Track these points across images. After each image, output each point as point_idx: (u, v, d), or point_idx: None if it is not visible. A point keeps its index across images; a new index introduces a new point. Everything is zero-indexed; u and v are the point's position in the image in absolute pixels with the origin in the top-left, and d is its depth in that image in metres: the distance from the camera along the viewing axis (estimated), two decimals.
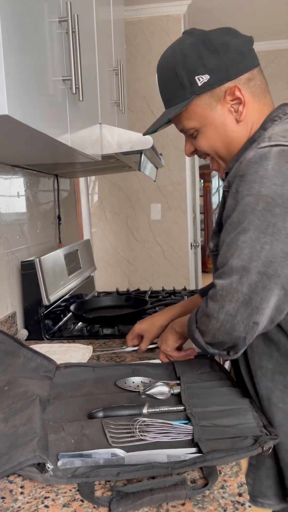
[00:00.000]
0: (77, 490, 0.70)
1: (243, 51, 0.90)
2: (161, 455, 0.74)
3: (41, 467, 0.72)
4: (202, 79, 0.89)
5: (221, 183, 7.99)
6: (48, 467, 0.72)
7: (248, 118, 0.92)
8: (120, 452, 0.76)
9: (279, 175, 0.78)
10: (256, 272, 0.77)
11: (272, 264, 0.77)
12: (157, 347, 1.21)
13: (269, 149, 0.81)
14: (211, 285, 0.86)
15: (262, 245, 0.77)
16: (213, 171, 8.77)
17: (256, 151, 0.82)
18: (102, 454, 0.75)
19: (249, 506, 0.65)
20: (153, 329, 1.22)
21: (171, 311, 1.22)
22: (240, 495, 0.67)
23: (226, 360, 1.24)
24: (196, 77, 0.89)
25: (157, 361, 1.17)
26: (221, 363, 1.15)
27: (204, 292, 0.91)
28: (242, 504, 0.65)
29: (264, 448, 0.74)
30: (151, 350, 1.27)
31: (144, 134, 1.04)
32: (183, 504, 0.66)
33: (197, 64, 0.89)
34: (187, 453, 0.76)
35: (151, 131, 0.99)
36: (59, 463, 0.75)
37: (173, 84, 0.92)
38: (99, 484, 0.71)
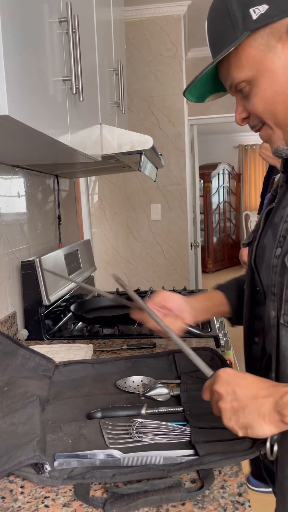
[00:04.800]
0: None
1: None
2: (157, 457, 0.74)
3: (38, 467, 0.72)
4: (258, 10, 0.66)
5: (221, 183, 7.54)
6: (46, 468, 0.72)
7: None
8: (116, 453, 0.75)
9: None
10: None
11: None
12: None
13: None
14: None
15: None
16: (212, 172, 8.33)
17: None
18: (98, 455, 0.75)
19: (249, 506, 0.65)
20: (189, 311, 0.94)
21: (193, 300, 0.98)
22: (240, 495, 0.67)
23: None
24: (250, 10, 0.67)
25: (156, 350, 1.12)
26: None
27: (223, 287, 0.88)
28: (242, 504, 0.65)
29: (261, 452, 0.73)
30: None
31: (184, 91, 0.78)
32: (183, 504, 0.66)
33: None
34: (184, 455, 0.75)
35: (191, 84, 0.76)
36: (55, 463, 0.75)
37: (223, 24, 0.70)
38: (99, 484, 0.71)
